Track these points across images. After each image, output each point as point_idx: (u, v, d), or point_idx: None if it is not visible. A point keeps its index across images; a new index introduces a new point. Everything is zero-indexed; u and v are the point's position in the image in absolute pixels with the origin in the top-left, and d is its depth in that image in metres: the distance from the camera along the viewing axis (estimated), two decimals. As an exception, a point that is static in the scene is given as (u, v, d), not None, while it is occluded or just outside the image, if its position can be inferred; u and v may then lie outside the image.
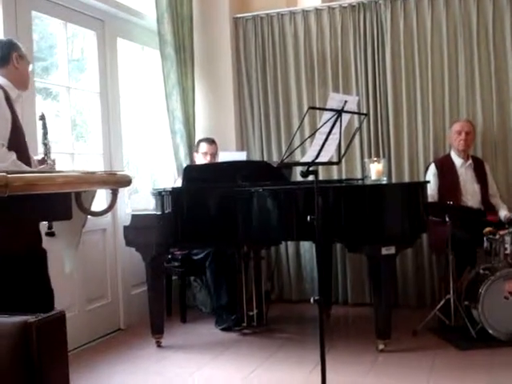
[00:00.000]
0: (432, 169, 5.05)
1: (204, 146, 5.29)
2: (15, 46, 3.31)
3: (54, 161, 3.37)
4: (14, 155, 2.98)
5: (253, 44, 5.83)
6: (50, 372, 1.76)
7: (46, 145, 3.34)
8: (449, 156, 5.10)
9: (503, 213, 4.92)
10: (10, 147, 3.02)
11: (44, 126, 3.35)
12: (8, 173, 2.10)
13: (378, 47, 5.47)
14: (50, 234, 2.94)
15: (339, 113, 3.13)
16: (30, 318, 1.76)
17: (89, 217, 2.91)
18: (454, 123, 5.10)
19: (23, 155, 3.11)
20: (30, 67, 3.40)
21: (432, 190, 4.89)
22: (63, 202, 2.57)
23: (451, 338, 4.31)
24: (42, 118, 3.36)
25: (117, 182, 2.55)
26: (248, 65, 5.87)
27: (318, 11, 5.64)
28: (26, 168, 3.01)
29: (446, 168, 5.01)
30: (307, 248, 5.69)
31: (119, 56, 5.22)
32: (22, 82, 3.32)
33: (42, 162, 3.35)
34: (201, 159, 5.29)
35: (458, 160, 5.04)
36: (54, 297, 3.19)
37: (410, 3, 5.38)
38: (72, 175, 2.42)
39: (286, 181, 4.78)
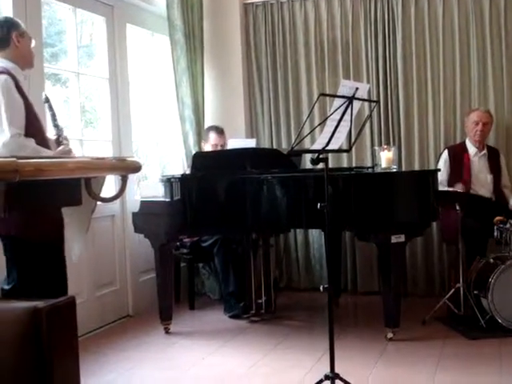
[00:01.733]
0: (444, 155, 5.01)
1: (213, 137, 5.22)
2: (14, 24, 3.21)
3: (67, 139, 3.34)
4: (32, 142, 2.96)
5: (263, 30, 5.79)
6: (59, 357, 1.76)
7: (57, 126, 3.29)
8: (464, 144, 5.04)
9: None
10: (28, 134, 3.00)
11: (50, 108, 3.29)
12: (18, 158, 2.09)
13: (388, 35, 5.43)
14: None
15: (350, 100, 3.11)
16: (40, 304, 1.75)
17: (98, 203, 2.91)
18: (472, 112, 5.02)
19: (42, 139, 3.10)
20: (33, 43, 3.30)
21: (442, 176, 4.84)
22: (73, 187, 2.56)
23: (460, 328, 4.29)
24: (47, 100, 3.29)
25: (126, 168, 2.53)
26: (258, 51, 5.84)
27: (328, -2, 5.60)
28: (48, 152, 2.99)
29: (458, 156, 4.95)
30: (316, 236, 5.68)
31: (128, 42, 5.20)
32: (26, 60, 3.26)
33: (58, 142, 3.32)
34: (209, 149, 5.25)
35: (472, 149, 4.97)
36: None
37: (422, -11, 5.34)
38: (82, 161, 2.41)
39: (295, 168, 4.75)
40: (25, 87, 3.19)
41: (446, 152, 5.03)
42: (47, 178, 2.24)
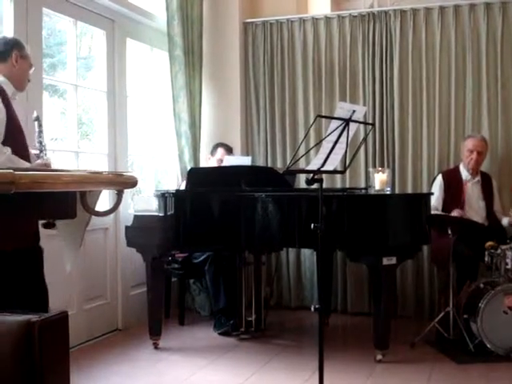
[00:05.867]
0: (439, 180, 5.01)
1: (221, 152, 5.34)
2: (18, 45, 3.28)
3: (48, 158, 3.37)
4: (8, 150, 2.94)
5: (261, 49, 5.83)
6: (51, 371, 1.76)
7: (40, 142, 3.35)
8: (457, 169, 5.05)
9: (505, 220, 4.89)
10: (5, 142, 2.99)
11: (39, 126, 3.36)
12: (14, 170, 2.10)
13: (386, 57, 5.48)
14: (48, 225, 2.90)
15: (347, 122, 3.13)
16: (33, 318, 1.75)
17: (92, 216, 2.91)
18: (468, 138, 5.01)
19: (21, 150, 3.09)
20: (32, 70, 3.38)
21: (436, 201, 4.87)
22: (68, 200, 2.57)
23: (449, 351, 4.30)
24: (37, 119, 3.37)
25: (123, 183, 2.55)
26: (256, 70, 5.87)
27: (327, 19, 5.65)
28: (23, 162, 2.98)
29: (452, 181, 4.96)
30: (308, 255, 5.68)
31: (128, 56, 5.23)
32: (19, 82, 3.28)
33: (38, 157, 3.35)
34: (213, 164, 5.36)
35: (465, 175, 4.98)
36: (49, 295, 3.17)
37: (420, 14, 5.39)
38: (78, 175, 2.42)
39: (289, 187, 4.77)
40: (13, 102, 3.19)
41: (440, 177, 5.03)
42: (42, 190, 2.25)
